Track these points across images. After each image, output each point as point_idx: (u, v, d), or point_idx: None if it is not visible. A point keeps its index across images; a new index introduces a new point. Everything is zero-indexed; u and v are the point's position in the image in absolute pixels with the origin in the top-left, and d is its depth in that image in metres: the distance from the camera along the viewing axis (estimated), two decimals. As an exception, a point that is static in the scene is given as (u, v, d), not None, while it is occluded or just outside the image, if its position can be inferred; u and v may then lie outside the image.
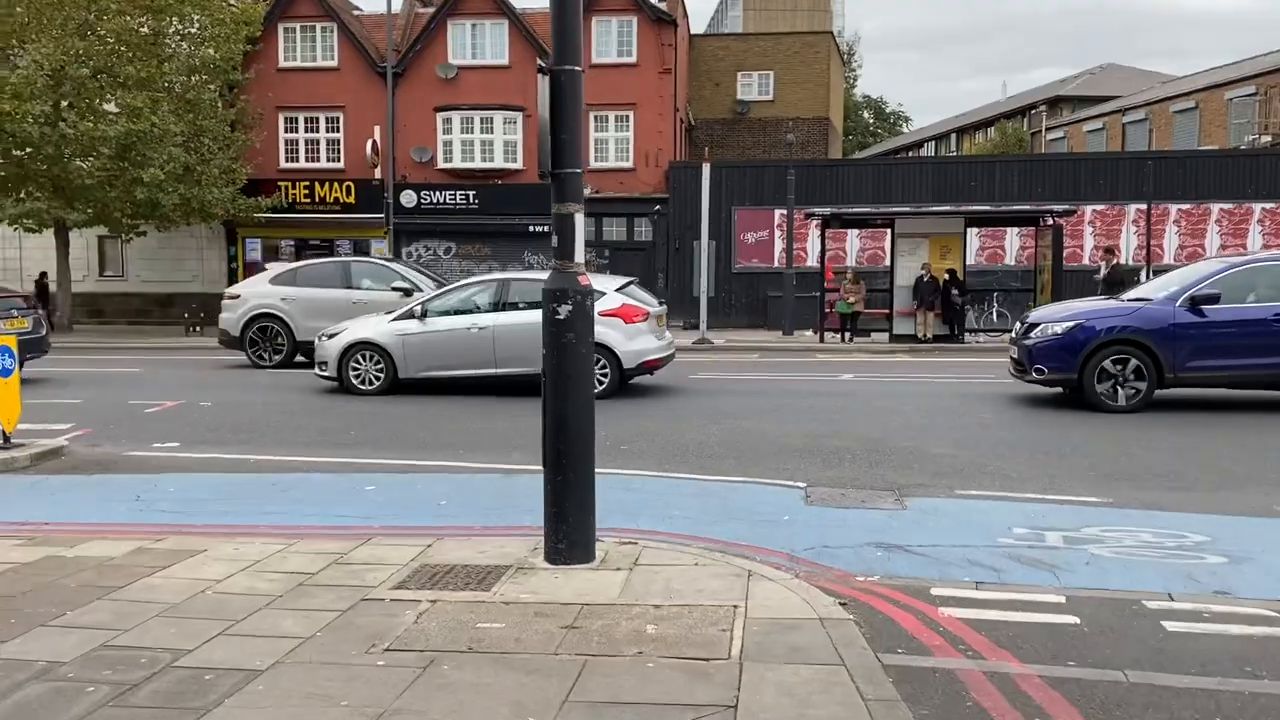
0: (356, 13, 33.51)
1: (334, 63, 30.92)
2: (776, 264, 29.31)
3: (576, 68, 5.88)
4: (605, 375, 13.32)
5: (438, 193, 30.69)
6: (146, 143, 24.19)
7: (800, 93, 39.11)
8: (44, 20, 23.76)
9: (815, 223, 26.08)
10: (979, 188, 29.55)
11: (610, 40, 30.73)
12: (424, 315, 14.40)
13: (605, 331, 12.81)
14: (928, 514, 7.55)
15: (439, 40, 30.81)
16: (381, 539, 6.71)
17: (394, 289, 18.28)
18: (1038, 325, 13.10)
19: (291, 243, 31.40)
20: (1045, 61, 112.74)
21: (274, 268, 20.63)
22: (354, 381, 14.45)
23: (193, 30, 26.88)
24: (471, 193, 30.67)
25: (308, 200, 30.65)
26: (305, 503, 8.08)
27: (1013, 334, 14.07)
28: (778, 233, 29.87)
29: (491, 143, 30.55)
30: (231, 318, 19.05)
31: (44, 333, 16.46)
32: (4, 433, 9.91)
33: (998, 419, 12.07)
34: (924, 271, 22.93)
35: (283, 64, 30.67)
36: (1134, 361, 12.23)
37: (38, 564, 6.17)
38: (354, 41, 30.78)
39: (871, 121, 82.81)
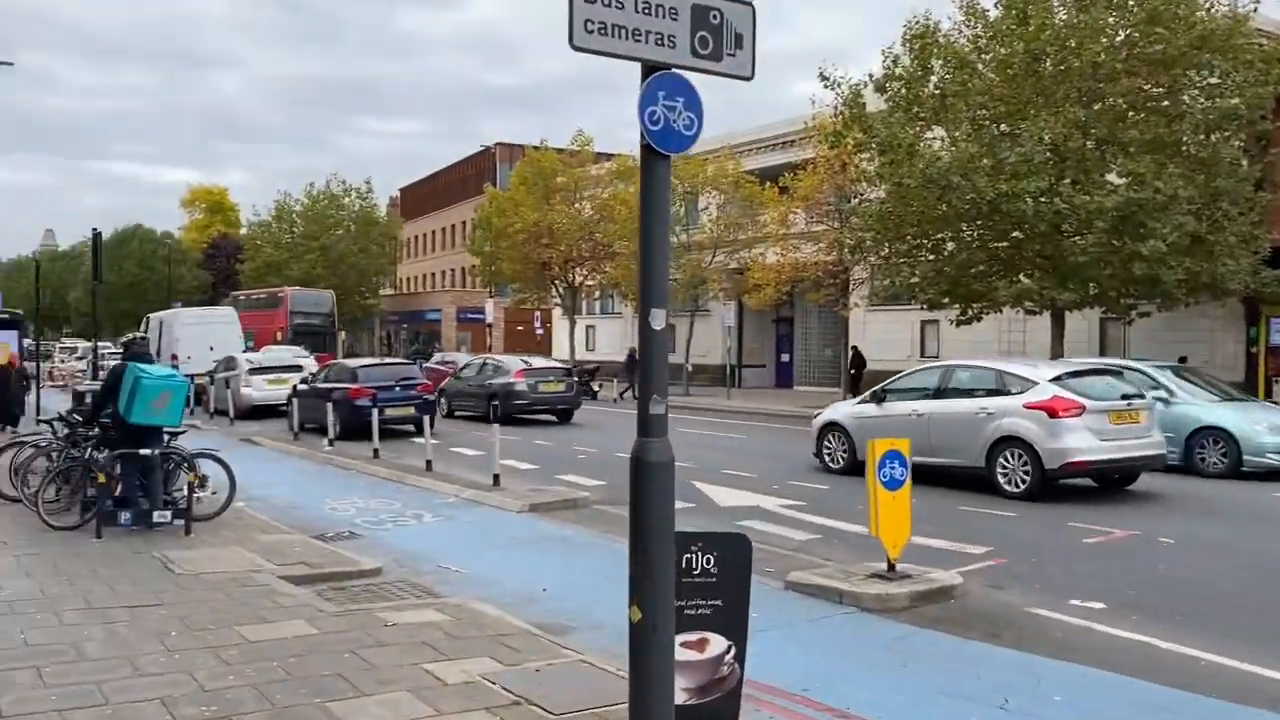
0: None
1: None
2: None
3: None
4: (1028, 473, 12.29)
5: None
6: (1148, 212, 21.30)
7: None
8: (1047, 94, 22.75)
9: None
10: None
11: None
12: (882, 399, 14.48)
13: (1024, 424, 12.39)
14: None
15: None
16: None
17: None
18: None
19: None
20: None
21: None
22: (825, 460, 14.89)
23: (1212, 80, 23.18)
24: None
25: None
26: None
27: None
28: None
29: None
30: None
31: (574, 392, 22.64)
32: (889, 560, 8.08)
33: None
34: None
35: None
36: None
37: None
38: None
39: None
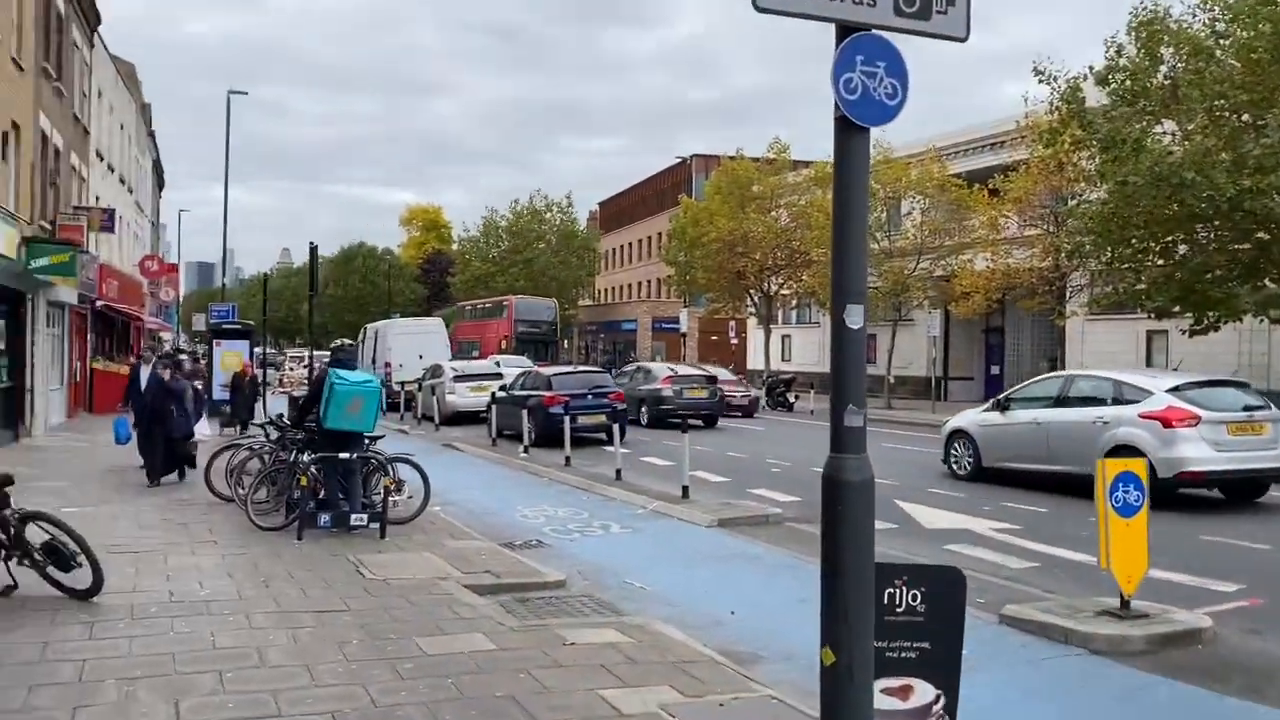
0: None
1: None
2: None
3: None
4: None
5: None
6: None
7: None
8: (1298, 79, 20.43)
9: None
10: None
11: None
12: (1006, 407, 14.70)
13: (1138, 433, 12.39)
14: None
15: None
16: None
17: None
18: None
19: None
20: None
21: None
22: (952, 466, 15.22)
23: None
24: None
25: None
26: None
27: None
28: None
29: None
30: None
31: (717, 398, 24.74)
32: (1122, 596, 7.14)
33: None
34: None
35: None
36: None
37: None
38: None
39: None
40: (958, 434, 15.37)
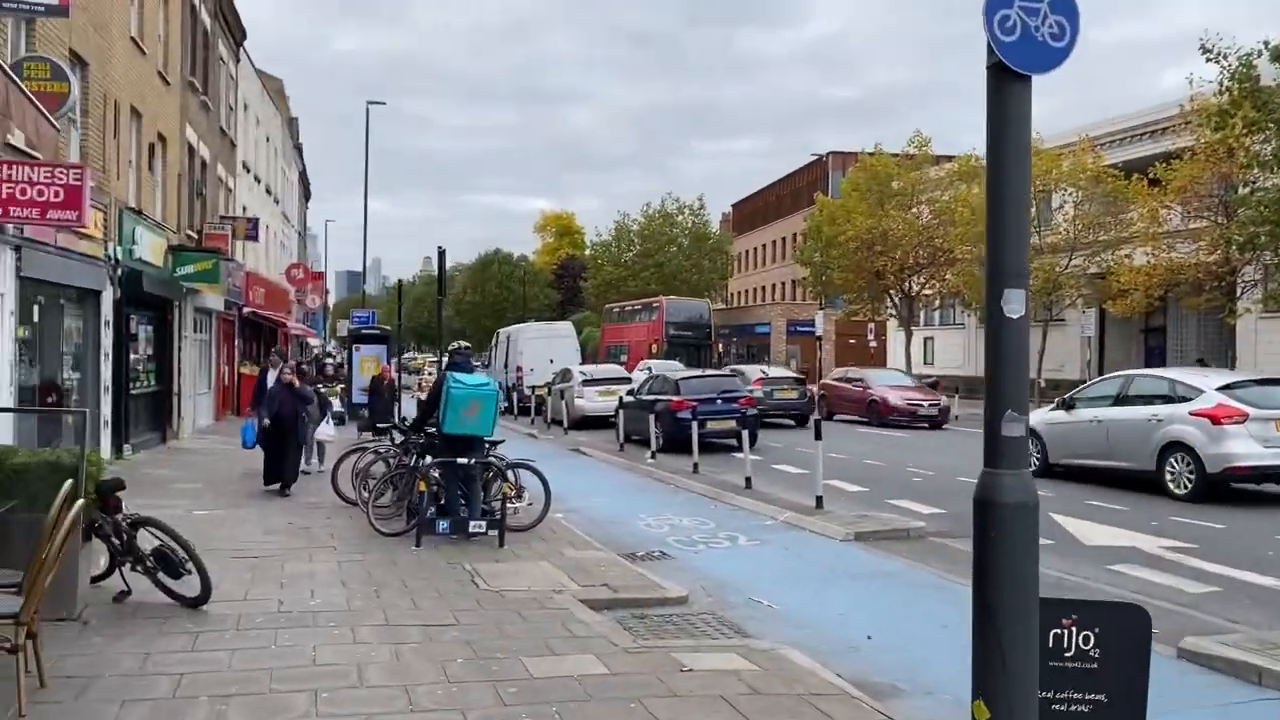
0: None
1: None
2: None
3: None
4: (1193, 477, 12.68)
5: None
6: None
7: None
8: None
9: None
10: None
11: None
12: (1071, 406, 15.03)
13: (1189, 430, 12.81)
14: None
15: None
16: None
17: None
18: None
19: None
20: None
21: None
22: None
23: None
24: None
25: None
26: None
27: None
28: None
29: None
30: None
31: (806, 399, 24.25)
32: (1327, 630, 6.16)
33: None
34: None
35: None
36: None
37: None
38: None
39: None
40: (1027, 432, 15.68)
